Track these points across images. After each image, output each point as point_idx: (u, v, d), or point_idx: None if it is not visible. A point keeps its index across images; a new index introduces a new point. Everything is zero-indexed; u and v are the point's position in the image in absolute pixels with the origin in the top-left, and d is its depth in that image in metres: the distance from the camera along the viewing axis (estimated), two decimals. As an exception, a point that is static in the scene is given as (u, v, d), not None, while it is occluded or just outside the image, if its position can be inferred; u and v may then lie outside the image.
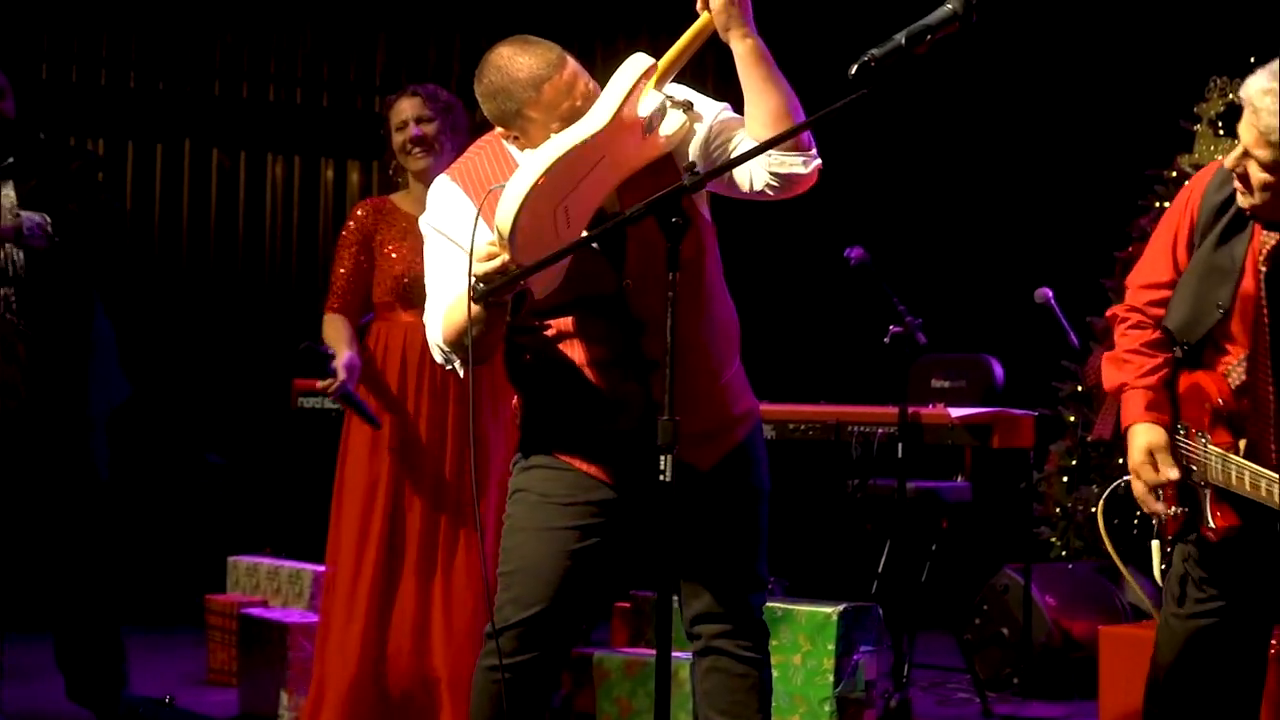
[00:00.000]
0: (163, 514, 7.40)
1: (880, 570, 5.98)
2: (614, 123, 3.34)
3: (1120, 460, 3.92)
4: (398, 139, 4.93)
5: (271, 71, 8.55)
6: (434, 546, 4.83)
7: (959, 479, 6.13)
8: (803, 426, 5.96)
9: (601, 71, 3.49)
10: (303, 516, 5.30)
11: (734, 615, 3.64)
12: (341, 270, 4.94)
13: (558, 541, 3.58)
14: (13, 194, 5.02)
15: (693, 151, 3.55)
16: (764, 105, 3.43)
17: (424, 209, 4.83)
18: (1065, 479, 6.81)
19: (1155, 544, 3.52)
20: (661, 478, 3.22)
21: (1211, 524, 3.40)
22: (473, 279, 3.31)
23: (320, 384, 4.76)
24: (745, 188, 3.53)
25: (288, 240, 8.70)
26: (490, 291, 3.31)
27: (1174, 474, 3.36)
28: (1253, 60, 6.04)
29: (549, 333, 3.59)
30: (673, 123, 3.47)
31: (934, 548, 6.08)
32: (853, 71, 3.35)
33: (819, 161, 3.49)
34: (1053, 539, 6.85)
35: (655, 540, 3.31)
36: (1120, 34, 7.78)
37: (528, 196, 3.24)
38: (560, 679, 3.78)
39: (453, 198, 3.57)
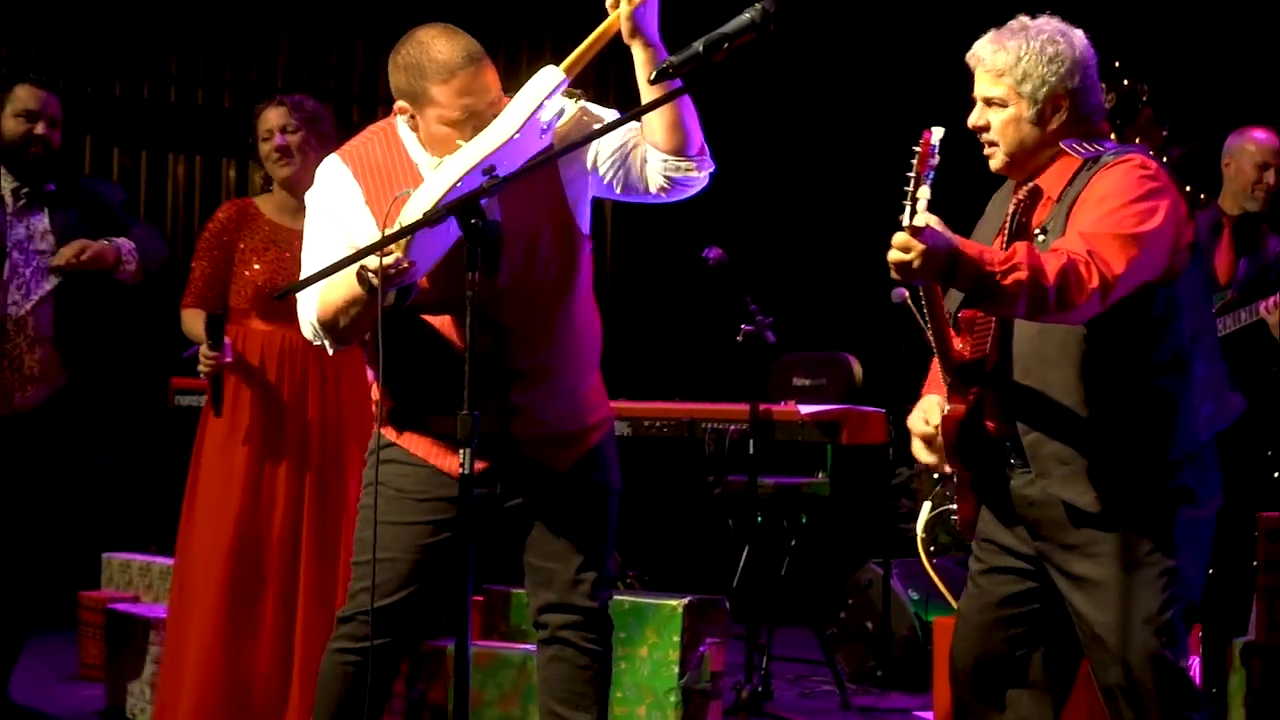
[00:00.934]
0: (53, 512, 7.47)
1: (741, 565, 6.10)
2: (517, 139, 3.49)
3: None
4: (264, 148, 5.05)
5: (173, 72, 8.59)
6: (297, 543, 4.92)
7: (819, 475, 6.25)
8: (658, 423, 6.10)
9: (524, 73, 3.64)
10: (179, 514, 5.41)
11: (581, 608, 3.77)
12: (199, 270, 5.05)
13: (411, 535, 3.73)
14: (46, 221, 5.22)
15: (602, 157, 3.68)
16: (661, 111, 3.55)
17: (287, 214, 5.00)
18: (935, 475, 6.92)
19: (926, 504, 3.67)
20: (462, 470, 3.34)
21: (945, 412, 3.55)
22: (372, 273, 3.44)
23: (210, 352, 4.85)
24: (641, 188, 3.67)
25: (189, 240, 8.74)
26: (365, 253, 3.43)
27: (936, 418, 3.51)
28: (1116, 65, 6.22)
29: (426, 323, 3.71)
30: (565, 113, 3.61)
31: (793, 543, 6.21)
32: (651, 77, 3.51)
33: (712, 166, 3.65)
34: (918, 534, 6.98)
35: (459, 536, 3.43)
36: (970, 36, 7.91)
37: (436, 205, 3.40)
38: (399, 667, 3.90)
39: (340, 179, 3.70)
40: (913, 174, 3.15)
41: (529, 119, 3.50)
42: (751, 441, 5.64)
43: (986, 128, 3.50)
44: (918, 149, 3.17)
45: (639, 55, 3.55)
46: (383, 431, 3.80)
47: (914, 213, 3.12)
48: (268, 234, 4.99)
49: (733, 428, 5.86)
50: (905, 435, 6.60)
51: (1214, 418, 3.47)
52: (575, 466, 3.79)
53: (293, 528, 4.91)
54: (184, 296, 5.05)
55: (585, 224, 3.77)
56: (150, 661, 5.50)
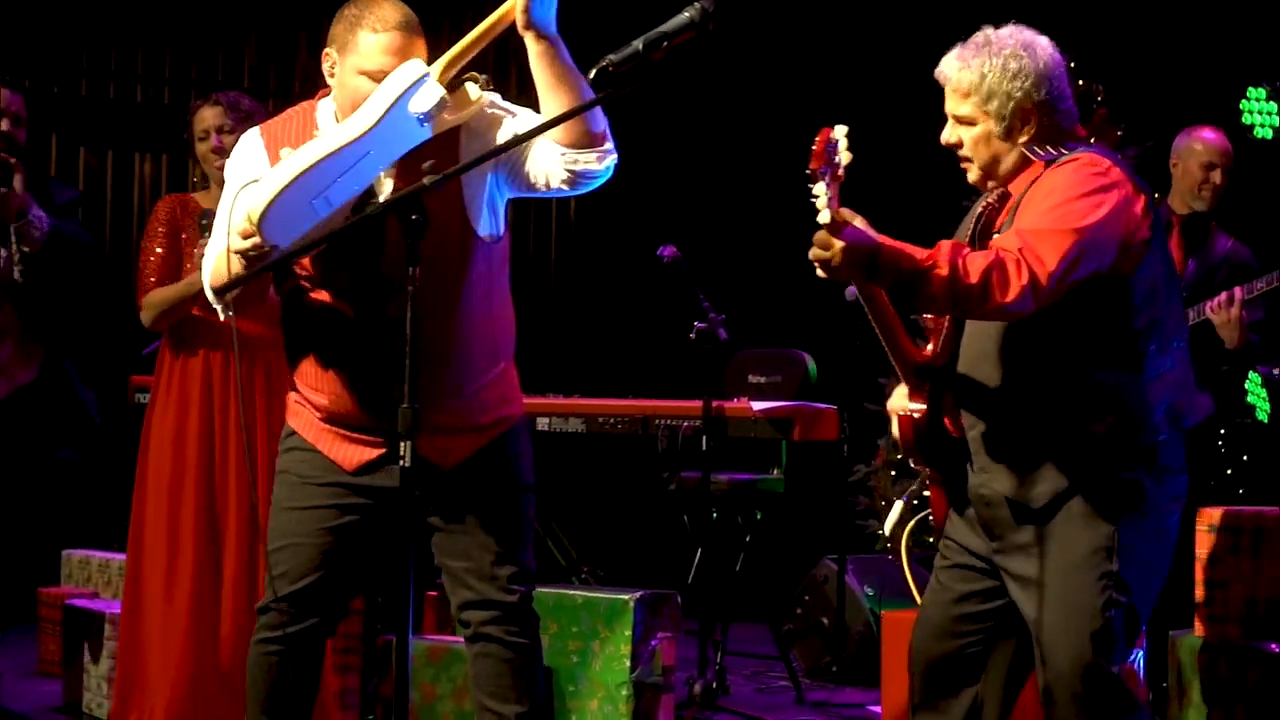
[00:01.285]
0: (10, 508, 7.49)
1: (696, 562, 6.14)
2: (376, 130, 3.52)
3: None
4: (201, 147, 5.11)
5: (139, 72, 8.62)
6: (255, 530, 4.92)
7: (774, 472, 6.30)
8: (612, 420, 6.13)
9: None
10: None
11: (499, 602, 3.79)
12: (153, 258, 5.05)
13: (317, 519, 3.79)
14: None
15: (499, 159, 3.67)
16: (553, 105, 3.55)
17: None
18: (893, 473, 6.99)
19: (898, 504, 3.70)
20: (401, 463, 3.37)
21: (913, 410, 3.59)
22: (236, 254, 3.54)
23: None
24: (541, 185, 3.67)
25: (155, 239, 8.75)
26: (250, 274, 3.55)
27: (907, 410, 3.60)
28: (1071, 65, 6.27)
29: (321, 312, 3.75)
30: (460, 99, 3.63)
31: (748, 539, 6.26)
32: (591, 76, 3.52)
33: (614, 156, 3.63)
34: (879, 531, 7.03)
35: (398, 529, 3.47)
36: (932, 37, 7.95)
37: (279, 193, 3.48)
38: (323, 653, 3.92)
39: (252, 152, 3.79)
40: (808, 171, 3.18)
41: (388, 111, 3.52)
42: (705, 438, 5.69)
43: (959, 144, 3.53)
44: (813, 147, 3.19)
45: (533, 48, 3.54)
46: (287, 419, 3.89)
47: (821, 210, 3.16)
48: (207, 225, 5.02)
49: (686, 424, 5.90)
50: (859, 432, 6.72)
51: (1175, 417, 3.46)
52: (468, 463, 3.78)
53: (249, 515, 4.92)
54: (141, 286, 5.06)
55: (486, 224, 3.75)
56: (107, 656, 5.52)
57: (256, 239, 3.48)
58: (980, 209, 3.59)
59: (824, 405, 6.05)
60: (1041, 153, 3.46)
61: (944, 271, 3.18)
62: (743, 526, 6.32)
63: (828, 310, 6.92)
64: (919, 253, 3.22)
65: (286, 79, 8.77)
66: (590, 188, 3.68)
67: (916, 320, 3.91)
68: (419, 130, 3.57)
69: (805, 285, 8.11)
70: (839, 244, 3.17)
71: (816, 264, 3.21)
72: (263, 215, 3.49)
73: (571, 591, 5.31)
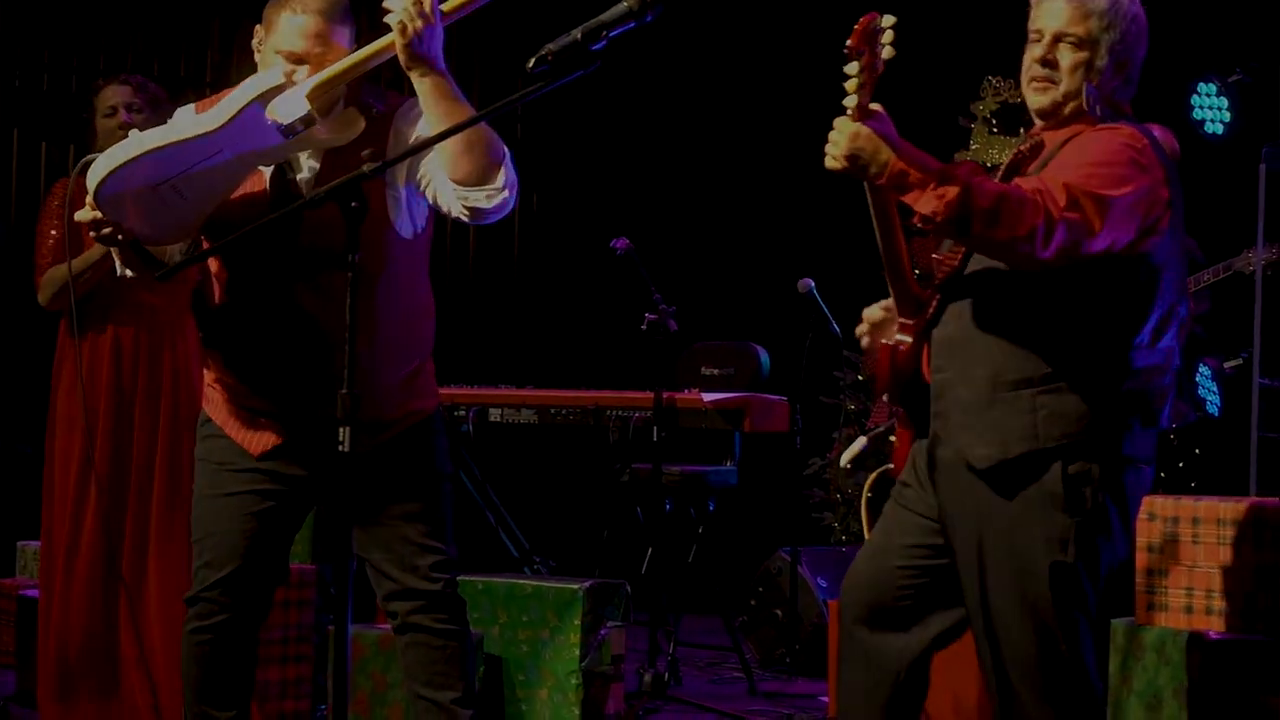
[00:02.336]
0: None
1: (649, 553, 6.18)
2: (227, 129, 3.52)
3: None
4: (108, 124, 4.98)
5: (101, 66, 8.63)
6: (148, 519, 4.92)
7: (727, 464, 6.34)
8: (564, 411, 6.16)
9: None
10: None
11: (423, 591, 3.78)
12: (54, 239, 4.97)
13: (238, 505, 3.78)
14: None
15: (422, 165, 3.66)
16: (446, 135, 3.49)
17: None
18: (847, 467, 7.02)
19: (864, 438, 3.68)
20: (341, 448, 3.37)
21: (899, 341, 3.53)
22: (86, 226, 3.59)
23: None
24: (445, 210, 3.66)
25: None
26: (193, 259, 3.67)
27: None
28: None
29: (234, 296, 3.76)
30: (345, 121, 3.65)
31: (700, 531, 6.29)
32: (530, 66, 3.52)
33: (505, 195, 3.58)
34: (834, 524, 7.07)
35: (337, 514, 3.47)
36: (899, 33, 7.99)
37: (114, 170, 3.51)
38: (256, 640, 3.93)
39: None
40: (846, 48, 3.14)
41: (238, 114, 3.51)
42: (655, 429, 5.71)
43: (1054, 63, 3.40)
44: (856, 25, 3.14)
45: (418, 85, 3.50)
46: (202, 405, 3.90)
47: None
48: None
49: (637, 415, 5.94)
50: (813, 425, 6.76)
51: (1147, 415, 3.38)
52: (376, 454, 3.71)
53: (146, 499, 4.89)
54: (37, 265, 4.99)
55: (404, 222, 3.73)
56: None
57: (98, 214, 3.51)
58: (1012, 155, 3.49)
59: (775, 397, 6.09)
60: (1094, 108, 3.39)
61: (956, 187, 3.10)
62: (696, 518, 6.35)
63: (782, 304, 6.96)
64: (938, 165, 3.16)
65: (249, 71, 8.77)
66: (488, 221, 3.67)
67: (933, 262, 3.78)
68: (273, 137, 3.55)
69: (760, 279, 8.22)
70: (853, 127, 3.14)
71: (830, 149, 3.17)
72: (98, 188, 3.51)
73: (521, 581, 5.34)
